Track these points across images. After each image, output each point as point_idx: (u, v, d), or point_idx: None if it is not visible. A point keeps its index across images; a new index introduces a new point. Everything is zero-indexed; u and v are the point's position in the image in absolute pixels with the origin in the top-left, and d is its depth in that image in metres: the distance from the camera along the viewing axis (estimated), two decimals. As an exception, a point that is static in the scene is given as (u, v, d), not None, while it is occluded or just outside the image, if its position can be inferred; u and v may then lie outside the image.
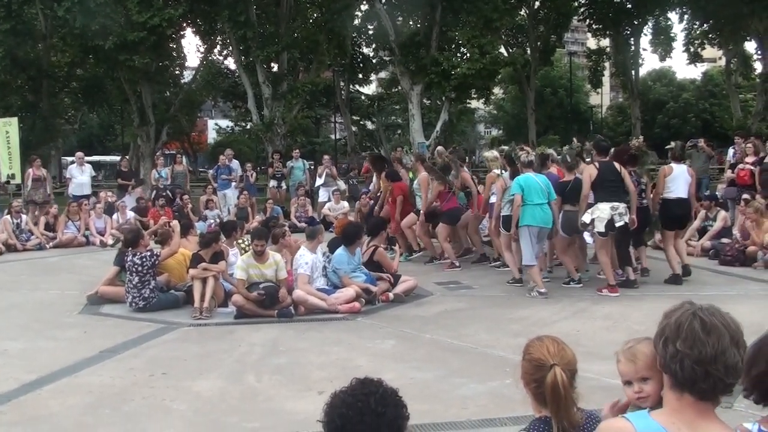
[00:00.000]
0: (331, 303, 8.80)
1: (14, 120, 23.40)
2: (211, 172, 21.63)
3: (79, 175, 19.26)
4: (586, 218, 9.68)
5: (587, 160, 10.85)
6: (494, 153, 12.45)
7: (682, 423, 2.22)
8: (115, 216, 17.10)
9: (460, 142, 52.06)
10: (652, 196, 10.66)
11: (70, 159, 26.97)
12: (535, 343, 2.85)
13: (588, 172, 9.84)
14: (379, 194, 14.10)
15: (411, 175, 13.21)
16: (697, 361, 2.16)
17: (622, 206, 9.62)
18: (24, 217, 16.04)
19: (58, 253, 14.96)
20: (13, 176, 21.57)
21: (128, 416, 5.44)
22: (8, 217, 15.64)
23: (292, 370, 6.53)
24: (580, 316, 8.50)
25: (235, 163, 20.61)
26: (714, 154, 21.94)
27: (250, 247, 9.19)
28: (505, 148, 14.45)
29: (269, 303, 8.63)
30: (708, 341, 2.16)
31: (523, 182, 9.89)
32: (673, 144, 11.37)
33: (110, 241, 15.84)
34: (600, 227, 9.57)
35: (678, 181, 10.52)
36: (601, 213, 9.57)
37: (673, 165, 10.75)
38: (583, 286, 10.12)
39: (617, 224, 9.58)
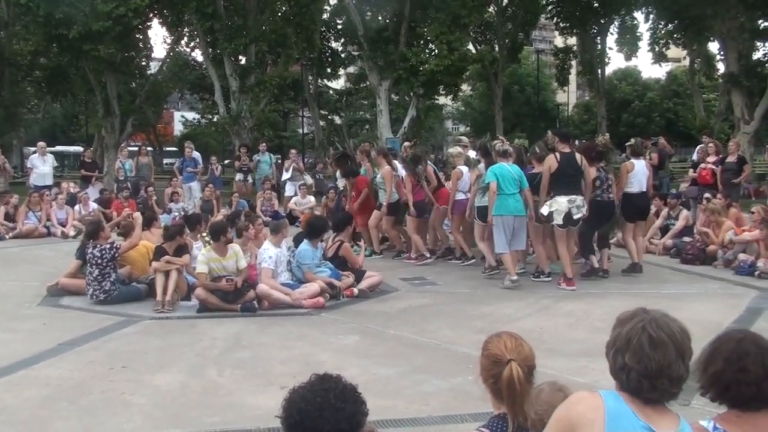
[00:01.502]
0: (296, 298, 8.76)
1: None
2: (176, 164, 21.42)
3: (41, 165, 18.98)
4: (545, 210, 9.85)
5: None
6: (458, 149, 12.51)
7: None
8: (77, 207, 16.87)
9: (427, 138, 52.26)
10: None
11: (32, 149, 26.55)
12: (494, 339, 2.88)
13: (548, 163, 9.98)
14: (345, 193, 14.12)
15: (375, 170, 13.20)
16: (643, 374, 2.29)
17: (579, 199, 9.81)
18: (-17, 206, 15.76)
19: (18, 244, 14.71)
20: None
21: (86, 410, 5.36)
22: (-33, 206, 15.37)
23: (254, 365, 6.49)
24: (544, 313, 8.55)
25: (197, 156, 20.46)
26: (673, 152, 22.25)
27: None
28: (464, 138, 14.58)
29: (232, 297, 8.57)
30: (654, 356, 2.29)
31: (497, 171, 10.04)
32: (632, 141, 11.78)
33: (72, 233, 15.62)
34: (558, 219, 9.74)
35: (638, 175, 10.95)
36: (559, 206, 9.74)
37: (633, 161, 11.07)
38: (549, 282, 10.19)
39: (575, 217, 9.75)
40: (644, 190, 11.10)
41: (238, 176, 20.35)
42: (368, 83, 32.82)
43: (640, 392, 2.31)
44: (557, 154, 10.04)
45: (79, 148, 44.78)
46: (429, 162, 13.21)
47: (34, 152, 20.33)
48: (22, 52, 32.79)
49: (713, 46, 38.31)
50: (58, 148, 47.62)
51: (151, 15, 30.51)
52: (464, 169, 11.79)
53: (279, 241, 9.28)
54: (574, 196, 9.77)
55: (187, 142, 21.34)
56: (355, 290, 9.48)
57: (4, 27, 30.92)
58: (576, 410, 2.40)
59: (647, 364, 2.28)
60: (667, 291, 9.82)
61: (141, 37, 31.84)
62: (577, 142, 11.93)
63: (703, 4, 29.16)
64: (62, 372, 6.24)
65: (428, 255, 12.14)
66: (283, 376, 5.99)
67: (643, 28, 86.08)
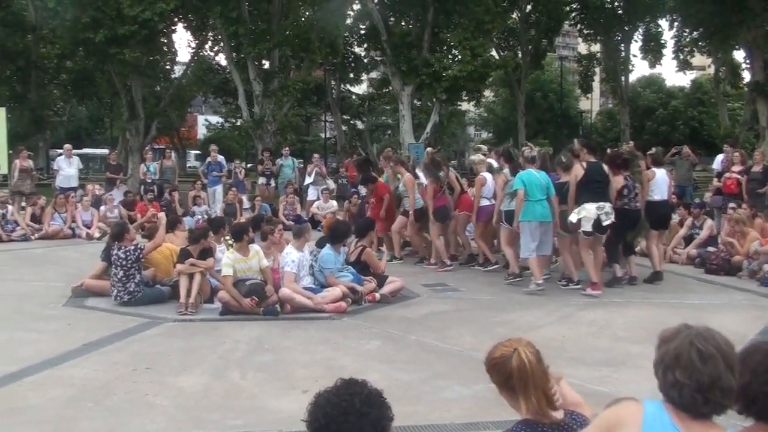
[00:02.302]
0: (318, 302, 8.78)
1: (2, 110, 23.26)
2: (201, 168, 21.55)
3: (67, 167, 19.15)
4: (573, 218, 9.88)
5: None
6: (480, 156, 12.53)
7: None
8: (102, 208, 17.02)
9: (450, 144, 52.20)
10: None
11: (58, 151, 26.84)
12: (491, 350, 2.91)
13: (575, 172, 10.07)
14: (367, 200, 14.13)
15: (397, 177, 13.20)
16: (696, 389, 2.30)
17: (607, 206, 9.85)
18: (10, 207, 15.95)
19: (44, 245, 14.87)
20: (-4, 167, 21.43)
21: (110, 410, 5.41)
22: (-6, 207, 15.56)
23: (277, 368, 6.51)
24: (566, 321, 8.51)
25: (221, 159, 20.58)
26: (698, 161, 22.07)
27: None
28: (483, 147, 14.63)
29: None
30: (705, 370, 2.30)
31: (525, 178, 10.14)
32: (654, 150, 11.96)
33: (97, 234, 15.77)
34: (587, 227, 9.76)
35: (660, 183, 11.07)
36: (587, 213, 9.75)
37: (655, 169, 11.20)
38: (572, 290, 10.16)
39: (604, 223, 9.78)
40: (666, 198, 11.20)
41: (261, 180, 20.41)
42: (391, 88, 32.84)
43: (694, 407, 2.32)
44: (583, 163, 10.09)
45: (104, 151, 45.17)
46: (451, 168, 13.22)
47: (60, 154, 20.53)
48: (49, 56, 33.17)
49: (738, 55, 37.92)
50: (84, 150, 48.07)
51: (176, 19, 30.78)
52: (488, 175, 11.80)
53: (301, 245, 9.32)
54: (602, 203, 9.80)
55: (212, 146, 21.42)
56: (377, 295, 9.49)
57: (32, 31, 31.26)
58: (617, 412, 2.48)
59: (699, 379, 2.29)
60: (691, 301, 9.74)
61: (166, 41, 32.13)
62: (608, 150, 11.97)
63: (729, 12, 28.91)
64: (87, 372, 6.30)
65: (449, 263, 12.13)
66: (305, 380, 6.02)
67: (668, 36, 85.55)
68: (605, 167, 10.24)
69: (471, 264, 12.41)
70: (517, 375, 2.74)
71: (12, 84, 31.68)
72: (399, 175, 13.11)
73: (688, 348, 2.33)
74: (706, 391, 2.29)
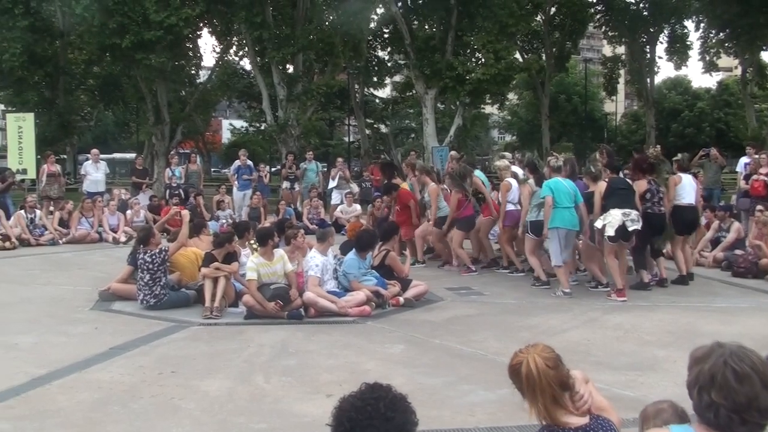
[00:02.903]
0: (342, 306, 8.80)
1: (30, 116, 23.59)
2: (231, 171, 21.63)
3: (94, 172, 19.35)
4: (598, 224, 9.94)
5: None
6: (505, 162, 12.54)
7: None
8: (128, 213, 17.18)
9: (473, 147, 52.08)
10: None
11: (84, 156, 27.14)
12: (511, 358, 2.90)
13: (599, 188, 10.24)
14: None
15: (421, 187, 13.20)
16: (733, 410, 2.25)
17: (634, 213, 9.86)
18: (38, 212, 16.16)
19: (71, 249, 15.04)
20: (24, 171, 21.69)
21: (137, 414, 5.46)
22: (22, 211, 15.77)
23: (301, 372, 6.53)
24: (591, 325, 8.46)
25: (251, 163, 20.70)
26: (726, 164, 21.81)
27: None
28: (507, 155, 14.64)
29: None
30: (741, 390, 2.25)
31: (552, 186, 10.18)
32: (680, 156, 12.11)
33: (123, 238, 15.92)
34: (610, 232, 9.75)
35: (687, 188, 11.09)
36: (612, 218, 9.78)
37: (681, 174, 11.25)
38: (598, 295, 10.13)
39: (630, 229, 9.77)
40: (694, 203, 11.18)
41: (285, 184, 20.49)
42: (414, 92, 32.84)
43: (730, 428, 2.27)
44: (606, 179, 10.38)
45: (129, 155, 45.57)
46: (479, 171, 13.19)
47: (87, 159, 20.75)
48: (77, 61, 33.57)
49: (766, 55, 37.64)
50: (113, 155, 48.57)
51: (201, 24, 31.08)
52: (512, 181, 11.82)
53: (325, 249, 9.35)
54: (628, 210, 9.82)
55: (242, 151, 21.57)
56: (401, 299, 9.49)
57: (60, 37, 31.63)
58: None
59: (735, 399, 2.25)
60: (717, 305, 9.65)
61: (191, 46, 32.42)
62: (658, 147, 12.03)
63: (757, 13, 28.66)
64: (113, 376, 6.36)
65: (473, 268, 12.13)
66: (330, 384, 6.04)
67: (694, 37, 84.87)
68: (628, 180, 10.47)
69: (493, 267, 12.41)
70: (525, 381, 2.75)
71: (40, 89, 32.04)
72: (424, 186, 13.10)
73: (722, 368, 2.28)
74: (743, 411, 2.25)
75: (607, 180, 10.33)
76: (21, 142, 22.11)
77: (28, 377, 6.27)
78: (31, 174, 21.56)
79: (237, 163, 20.61)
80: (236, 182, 19.90)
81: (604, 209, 9.94)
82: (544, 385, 2.73)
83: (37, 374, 6.36)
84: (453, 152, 16.42)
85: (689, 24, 40.35)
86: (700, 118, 59.63)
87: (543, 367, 2.74)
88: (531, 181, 11.24)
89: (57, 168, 19.06)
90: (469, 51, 29.92)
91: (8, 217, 15.87)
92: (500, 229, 12.14)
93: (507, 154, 16.08)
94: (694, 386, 2.35)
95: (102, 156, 20.76)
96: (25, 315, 8.88)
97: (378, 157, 29.19)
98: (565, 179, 10.35)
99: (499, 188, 12.41)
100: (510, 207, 11.73)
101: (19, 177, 20.82)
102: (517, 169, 12.34)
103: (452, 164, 13.81)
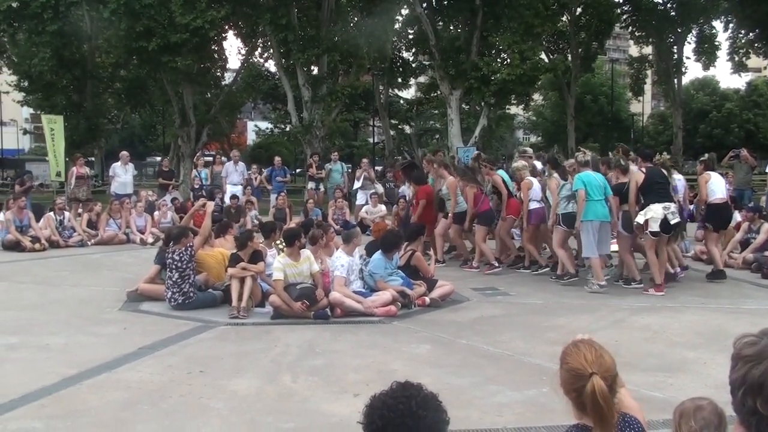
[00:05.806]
0: (368, 306, 8.81)
1: (59, 118, 23.88)
2: (265, 173, 21.82)
3: (123, 174, 19.55)
4: (640, 219, 10.03)
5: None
6: (522, 162, 12.55)
7: None
8: (155, 214, 17.31)
9: (498, 147, 51.93)
10: (696, 201, 11.12)
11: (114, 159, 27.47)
12: (572, 350, 2.78)
13: (635, 178, 10.32)
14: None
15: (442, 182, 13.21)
16: None
17: (672, 206, 10.02)
18: (67, 214, 16.33)
19: (100, 250, 15.19)
20: (59, 174, 21.97)
21: (166, 413, 5.50)
22: (52, 213, 15.94)
23: (328, 372, 6.55)
24: (619, 326, 8.41)
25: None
26: (756, 164, 21.56)
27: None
28: (529, 150, 14.74)
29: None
30: None
31: (584, 178, 10.30)
32: (706, 155, 12.24)
33: (150, 240, 16.05)
34: (654, 227, 9.90)
35: (718, 184, 11.32)
36: (654, 213, 9.92)
37: (709, 172, 11.48)
38: (621, 295, 10.07)
39: (672, 222, 9.93)
40: (726, 199, 11.40)
41: (310, 185, 20.59)
42: (439, 93, 32.82)
43: None
44: (643, 168, 10.45)
45: (155, 158, 45.90)
46: (501, 171, 13.16)
47: (116, 161, 20.97)
48: (104, 65, 33.91)
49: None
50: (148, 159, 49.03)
51: (227, 27, 31.23)
52: (533, 179, 11.86)
53: (351, 249, 9.36)
54: (667, 204, 9.96)
55: (276, 159, 21.95)
56: (427, 299, 9.48)
57: (88, 41, 31.98)
58: None
59: None
60: (747, 306, 9.54)
61: (216, 48, 32.60)
62: (665, 154, 12.02)
63: (786, 12, 28.31)
64: (143, 375, 6.41)
65: (497, 264, 12.15)
66: (357, 384, 6.04)
67: (722, 37, 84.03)
68: (664, 171, 10.48)
69: (516, 266, 12.43)
70: (589, 400, 2.65)
71: (68, 93, 32.40)
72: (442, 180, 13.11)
73: None
74: None
75: (643, 170, 10.44)
76: (54, 144, 22.41)
77: (59, 377, 6.33)
78: (61, 176, 21.82)
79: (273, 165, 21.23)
80: (270, 184, 20.26)
81: (644, 205, 10.05)
82: (609, 406, 2.65)
83: (67, 374, 6.41)
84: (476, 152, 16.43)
85: (718, 24, 39.93)
86: (728, 119, 58.97)
87: (607, 390, 2.66)
88: (556, 174, 11.42)
89: (86, 170, 19.26)
90: (494, 51, 29.81)
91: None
92: (525, 227, 12.13)
93: (528, 149, 16.06)
94: (740, 387, 2.16)
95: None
96: (56, 316, 8.97)
97: (396, 159, 29.12)
98: (595, 173, 10.46)
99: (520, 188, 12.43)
100: (534, 205, 11.80)
101: (37, 182, 21.15)
102: (536, 163, 12.43)
103: (471, 163, 13.87)
